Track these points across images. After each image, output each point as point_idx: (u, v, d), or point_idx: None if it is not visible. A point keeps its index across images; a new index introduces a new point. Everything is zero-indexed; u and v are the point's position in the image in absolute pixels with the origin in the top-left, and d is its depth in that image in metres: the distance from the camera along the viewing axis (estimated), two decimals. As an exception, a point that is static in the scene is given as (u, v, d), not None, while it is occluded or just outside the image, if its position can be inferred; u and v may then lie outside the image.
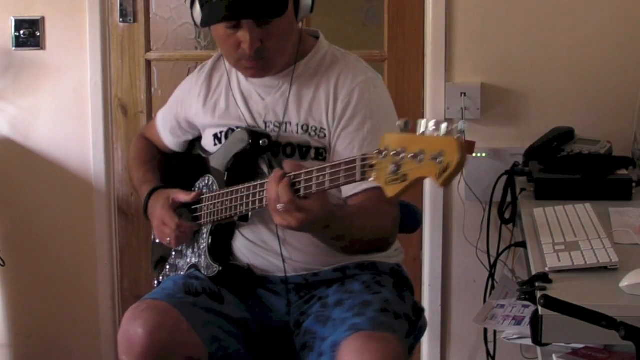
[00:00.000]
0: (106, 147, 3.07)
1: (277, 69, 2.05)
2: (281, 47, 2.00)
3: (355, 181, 1.68)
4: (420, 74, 2.95)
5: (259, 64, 2.01)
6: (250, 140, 2.04)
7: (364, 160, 1.65)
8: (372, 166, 1.63)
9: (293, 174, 1.77)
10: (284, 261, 2.05)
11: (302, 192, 1.75)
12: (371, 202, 1.94)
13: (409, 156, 1.54)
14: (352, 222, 1.88)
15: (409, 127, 1.59)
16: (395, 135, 1.59)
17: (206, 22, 1.96)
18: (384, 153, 1.59)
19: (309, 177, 1.75)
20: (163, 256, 2.27)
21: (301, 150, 2.05)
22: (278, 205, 1.75)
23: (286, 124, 2.06)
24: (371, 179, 1.63)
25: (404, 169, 1.55)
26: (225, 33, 1.97)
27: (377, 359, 1.77)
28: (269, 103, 2.09)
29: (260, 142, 2.03)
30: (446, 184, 1.50)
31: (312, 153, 2.04)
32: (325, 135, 2.04)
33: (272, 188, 1.77)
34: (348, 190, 1.96)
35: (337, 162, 1.72)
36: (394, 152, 1.57)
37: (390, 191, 1.58)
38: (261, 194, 1.92)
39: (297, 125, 2.05)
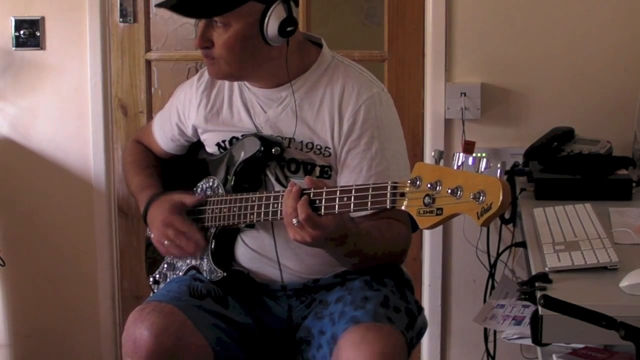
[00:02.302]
0: (106, 147, 3.07)
1: (229, 76, 2.04)
2: (227, 56, 1.97)
3: (384, 208, 1.68)
4: (420, 74, 2.95)
5: (209, 62, 2.01)
6: (263, 148, 2.02)
7: (394, 187, 1.65)
8: (402, 194, 1.63)
9: (313, 191, 1.77)
10: (280, 270, 2.05)
11: (322, 211, 1.75)
12: (383, 221, 1.95)
13: (446, 190, 1.54)
14: (366, 239, 1.89)
15: (443, 157, 1.60)
16: (430, 166, 1.59)
17: (155, 3, 2.00)
18: (417, 183, 1.59)
19: (332, 197, 1.75)
20: (156, 255, 2.25)
21: (306, 168, 2.04)
22: (293, 220, 1.76)
23: (290, 139, 2.04)
24: (402, 207, 1.63)
25: (440, 203, 1.56)
26: (198, 26, 2.00)
27: (375, 349, 1.77)
28: (271, 116, 2.07)
29: (273, 150, 2.01)
30: (486, 224, 1.51)
31: (317, 171, 2.03)
32: (330, 154, 2.02)
33: (290, 203, 1.77)
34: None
35: (365, 186, 1.72)
36: (429, 184, 1.57)
37: (423, 223, 1.59)
38: (275, 205, 1.91)
39: (302, 143, 2.03)
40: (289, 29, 1.96)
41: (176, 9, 1.99)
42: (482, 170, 1.52)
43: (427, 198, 1.57)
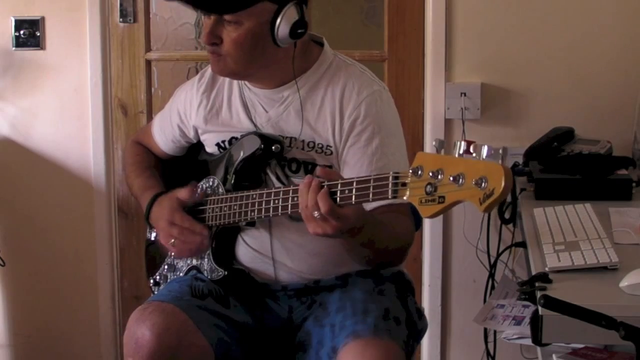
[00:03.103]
0: (106, 147, 3.07)
1: (233, 74, 2.03)
2: (235, 54, 1.96)
3: (386, 198, 1.67)
4: (420, 74, 2.95)
5: (215, 59, 2.00)
6: (262, 145, 2.02)
7: (396, 177, 1.65)
8: (404, 184, 1.62)
9: (328, 182, 1.76)
10: (274, 267, 2.05)
11: (338, 202, 1.75)
12: (391, 213, 1.94)
13: (448, 178, 1.54)
14: (380, 229, 1.88)
15: (444, 146, 1.60)
16: (431, 155, 1.59)
17: None
18: (418, 173, 1.59)
19: (333, 189, 1.74)
20: (156, 257, 2.25)
21: (307, 167, 2.04)
22: (315, 213, 1.75)
23: (291, 139, 2.04)
24: (404, 197, 1.62)
25: (442, 191, 1.55)
26: (204, 22, 1.99)
27: None
28: (273, 116, 2.07)
29: (273, 147, 2.01)
30: (489, 210, 1.50)
31: (318, 170, 2.02)
32: (332, 152, 2.02)
33: (310, 196, 1.75)
34: (366, 205, 1.90)
35: (366, 178, 1.71)
36: (431, 172, 1.57)
37: (426, 211, 1.58)
38: (275, 202, 1.90)
39: (303, 142, 2.03)
40: (299, 31, 1.96)
41: (192, 2, 1.97)
42: (484, 157, 1.52)
43: (429, 187, 1.57)
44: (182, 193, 2.11)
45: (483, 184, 1.49)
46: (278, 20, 1.93)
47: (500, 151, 1.54)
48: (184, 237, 2.06)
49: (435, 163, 1.57)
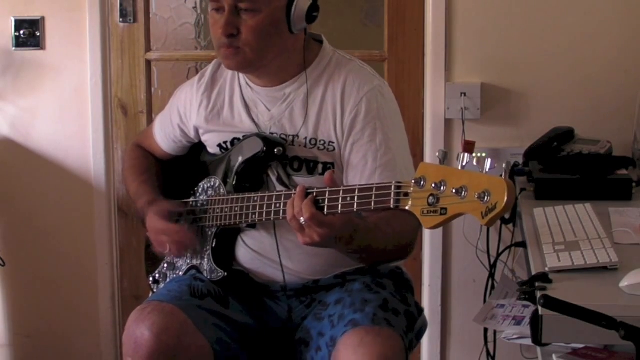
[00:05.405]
0: (106, 147, 3.07)
1: (250, 65, 2.02)
2: (254, 42, 1.97)
3: (388, 208, 1.68)
4: (420, 74, 2.95)
5: (232, 52, 1.99)
6: (265, 148, 2.02)
7: (398, 187, 1.65)
8: (407, 194, 1.63)
9: (316, 190, 1.77)
10: (283, 271, 2.05)
11: (325, 211, 1.75)
12: (391, 213, 1.92)
13: (451, 190, 1.54)
14: (375, 233, 1.89)
15: (447, 158, 1.60)
16: (434, 166, 1.60)
17: None
18: (421, 183, 1.59)
19: (335, 196, 1.75)
20: (156, 255, 2.25)
21: (308, 165, 2.04)
22: (301, 219, 1.76)
23: (293, 137, 2.05)
24: (406, 207, 1.63)
25: (444, 202, 1.56)
26: (213, 18, 1.99)
27: (374, 352, 1.78)
28: (275, 114, 2.07)
29: (275, 150, 2.02)
30: (491, 224, 1.52)
31: (320, 168, 2.03)
32: (334, 149, 2.03)
33: (296, 203, 1.77)
34: None
35: (369, 186, 1.72)
36: (434, 184, 1.57)
37: (427, 223, 1.59)
38: (277, 205, 1.91)
39: (306, 139, 2.03)
40: (314, 14, 2.00)
41: None
42: (487, 170, 1.53)
43: (431, 198, 1.58)
44: (166, 205, 2.14)
45: (486, 198, 1.49)
46: (294, 4, 1.96)
47: (504, 165, 1.55)
48: (174, 241, 2.08)
49: (438, 174, 1.58)
